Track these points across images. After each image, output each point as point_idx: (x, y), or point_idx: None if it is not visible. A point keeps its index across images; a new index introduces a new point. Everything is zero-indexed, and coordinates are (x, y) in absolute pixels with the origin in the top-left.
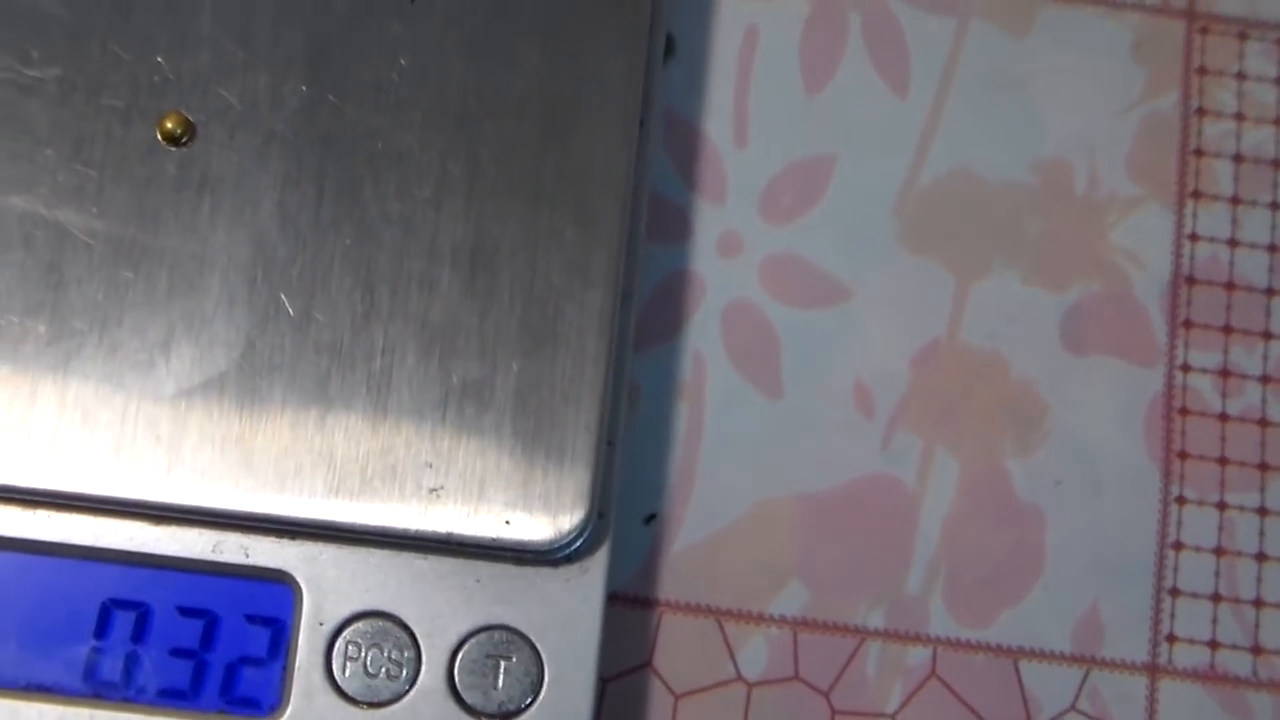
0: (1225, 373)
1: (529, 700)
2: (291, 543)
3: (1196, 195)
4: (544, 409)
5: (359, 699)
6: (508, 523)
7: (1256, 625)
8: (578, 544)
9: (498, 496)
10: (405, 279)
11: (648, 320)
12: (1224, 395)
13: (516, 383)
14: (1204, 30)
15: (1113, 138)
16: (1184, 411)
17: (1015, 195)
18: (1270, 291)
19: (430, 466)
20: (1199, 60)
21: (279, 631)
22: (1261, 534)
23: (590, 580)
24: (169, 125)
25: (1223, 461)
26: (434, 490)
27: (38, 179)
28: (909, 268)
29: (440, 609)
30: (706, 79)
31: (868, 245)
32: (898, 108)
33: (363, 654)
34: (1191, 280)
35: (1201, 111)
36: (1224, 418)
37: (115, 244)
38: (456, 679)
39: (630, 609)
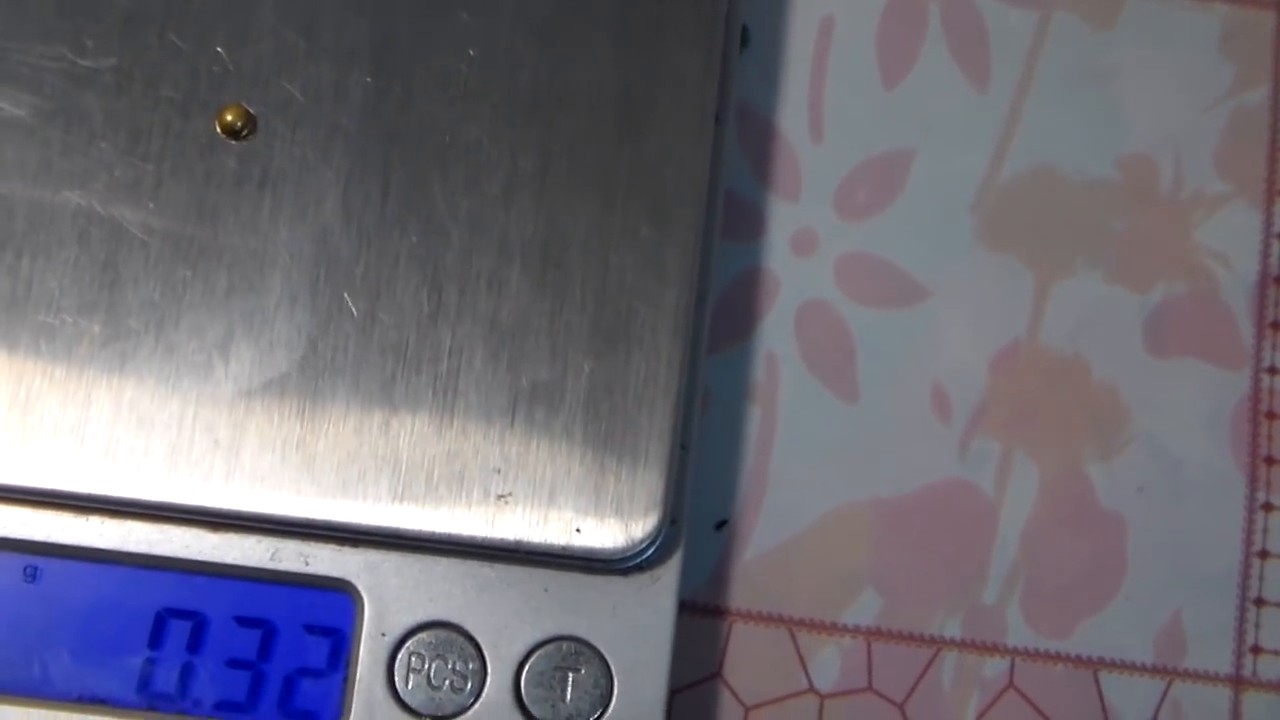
0: None
1: (598, 713)
2: (353, 550)
3: None
4: (616, 412)
5: (423, 712)
6: (578, 530)
7: None
8: (649, 552)
9: (568, 503)
10: (473, 278)
11: (719, 320)
12: None
13: (588, 385)
14: None
15: (1199, 133)
16: (1271, 415)
17: (1098, 192)
18: None
19: (498, 472)
20: None
21: (339, 642)
22: None
23: (662, 589)
24: (229, 118)
25: None
26: (502, 497)
27: (93, 173)
28: (988, 266)
29: (507, 619)
30: (781, 72)
31: (946, 243)
32: (978, 102)
33: (426, 666)
34: (1279, 281)
35: None
36: None
37: (173, 241)
38: (523, 691)
39: (699, 618)
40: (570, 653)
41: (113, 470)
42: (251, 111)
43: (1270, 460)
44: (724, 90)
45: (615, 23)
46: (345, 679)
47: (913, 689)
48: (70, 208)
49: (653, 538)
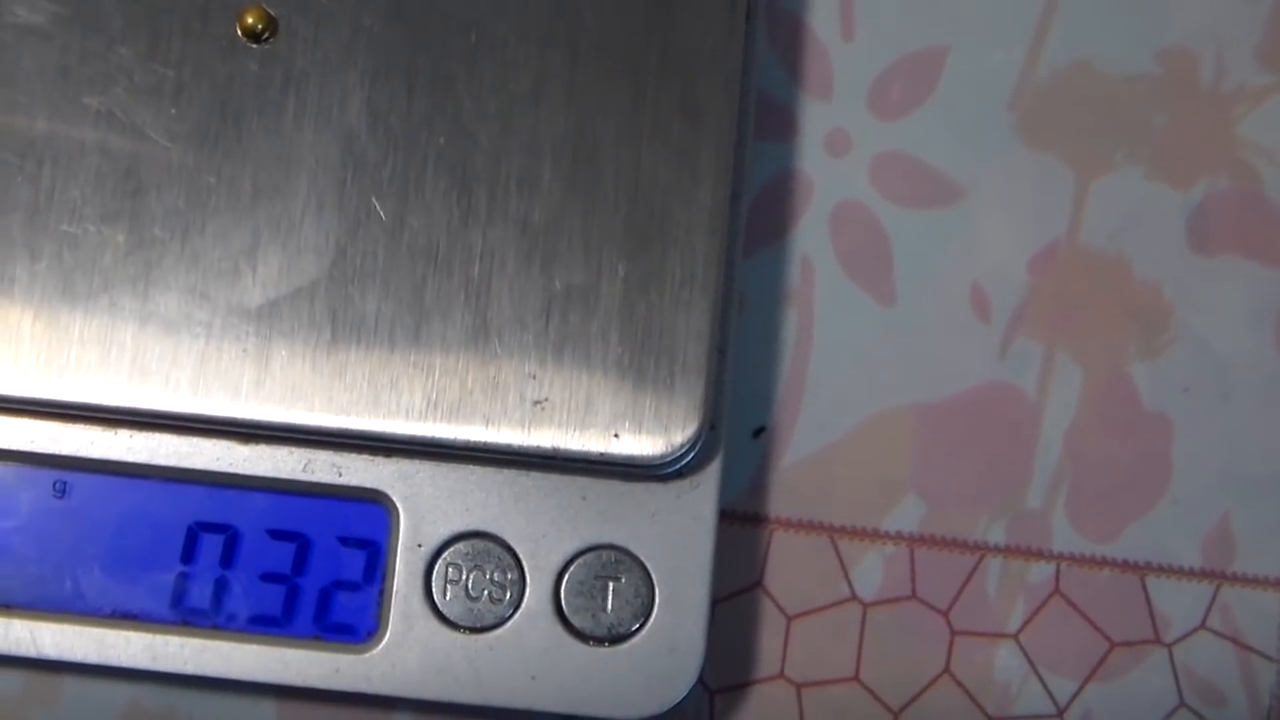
0: None
1: (639, 623)
2: (387, 460)
3: None
4: (653, 315)
5: (460, 624)
6: (616, 436)
7: None
8: (689, 458)
9: (605, 409)
10: (503, 179)
11: (753, 223)
12: None
13: (623, 287)
14: None
15: (1242, 24)
16: None
17: (1137, 87)
18: None
19: (533, 378)
20: None
21: (375, 554)
22: None
23: (702, 496)
24: (249, 20)
25: None
26: (538, 403)
27: (112, 79)
28: (1026, 164)
29: (545, 529)
30: None
31: (982, 141)
32: None
33: (464, 577)
34: None
35: None
36: None
37: (195, 147)
38: (563, 601)
39: (739, 527)
40: (610, 561)
41: (140, 382)
42: (272, 13)
43: None
44: None
45: None
46: (381, 591)
47: (957, 596)
48: (90, 115)
49: (692, 443)
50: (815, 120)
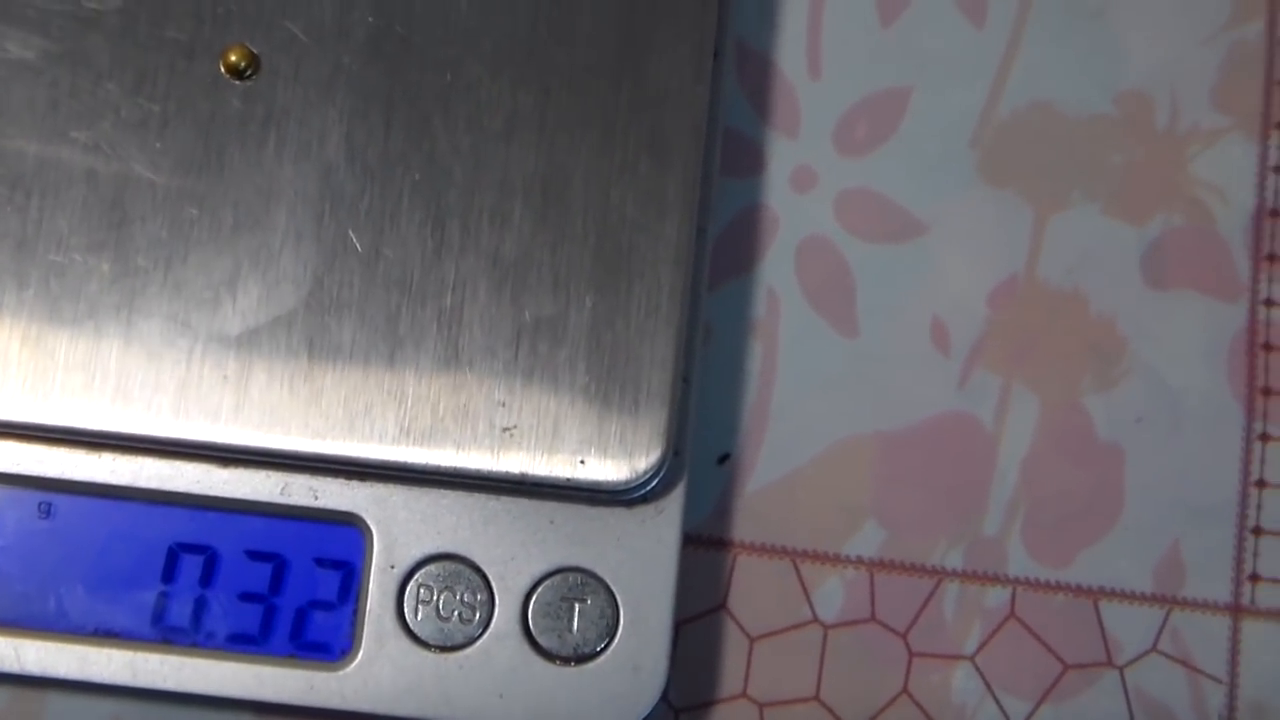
0: None
1: (604, 643)
2: (361, 484)
3: None
4: (619, 345)
5: (431, 643)
6: (582, 462)
7: None
8: (653, 484)
9: (572, 435)
10: (476, 213)
11: (720, 256)
12: None
13: (590, 318)
14: None
15: (1196, 68)
16: (1267, 347)
17: (1095, 127)
18: None
19: (503, 405)
20: None
21: (349, 575)
22: None
23: (666, 520)
24: (232, 58)
25: None
26: (507, 430)
27: (99, 114)
28: (986, 201)
29: (513, 551)
30: (779, 9)
31: (944, 178)
32: (974, 37)
33: (435, 597)
34: (1275, 213)
35: None
36: None
37: (179, 180)
38: (530, 622)
39: (704, 550)
40: (576, 583)
41: (123, 407)
42: (255, 51)
43: (1267, 391)
44: (722, 26)
45: None
46: (355, 611)
47: (915, 619)
48: (78, 147)
49: (656, 469)
50: (782, 156)
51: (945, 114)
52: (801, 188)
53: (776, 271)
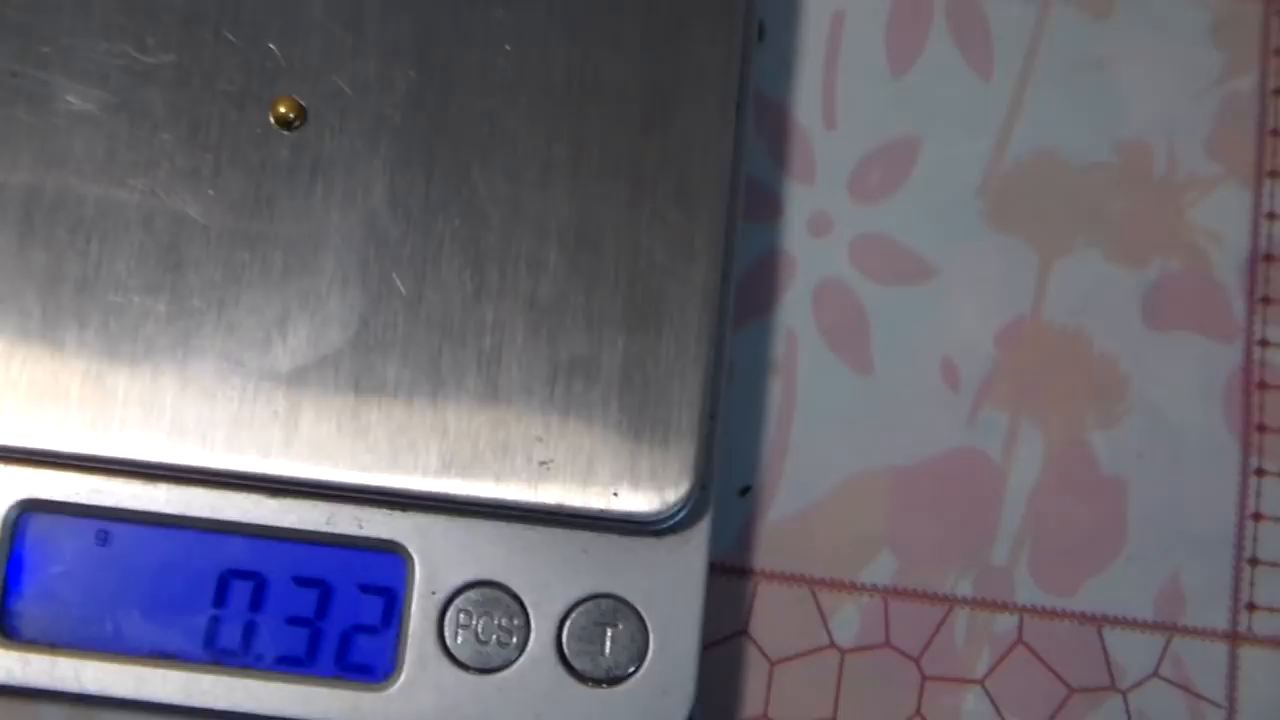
0: None
1: (635, 666)
2: (404, 514)
3: (1274, 174)
4: (649, 384)
5: (471, 665)
6: (615, 494)
7: None
8: (681, 515)
9: (605, 469)
10: (513, 259)
11: (740, 299)
12: None
13: (622, 359)
14: None
15: (1192, 118)
16: (1262, 386)
17: (1097, 175)
18: None
19: (540, 440)
20: (1277, 41)
21: (392, 600)
22: None
23: (693, 550)
24: (281, 110)
25: None
26: (544, 463)
27: (156, 163)
28: (993, 246)
29: (549, 578)
30: (796, 63)
31: (953, 224)
32: (982, 89)
33: (474, 622)
34: (1269, 258)
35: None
36: None
37: (231, 226)
38: (565, 646)
39: (727, 578)
40: (608, 609)
41: (179, 440)
42: (303, 103)
43: (1262, 428)
44: (743, 80)
45: (642, 18)
46: (398, 635)
47: (928, 644)
48: (135, 195)
49: (685, 501)
50: (799, 203)
51: (954, 162)
52: (818, 233)
53: (794, 313)
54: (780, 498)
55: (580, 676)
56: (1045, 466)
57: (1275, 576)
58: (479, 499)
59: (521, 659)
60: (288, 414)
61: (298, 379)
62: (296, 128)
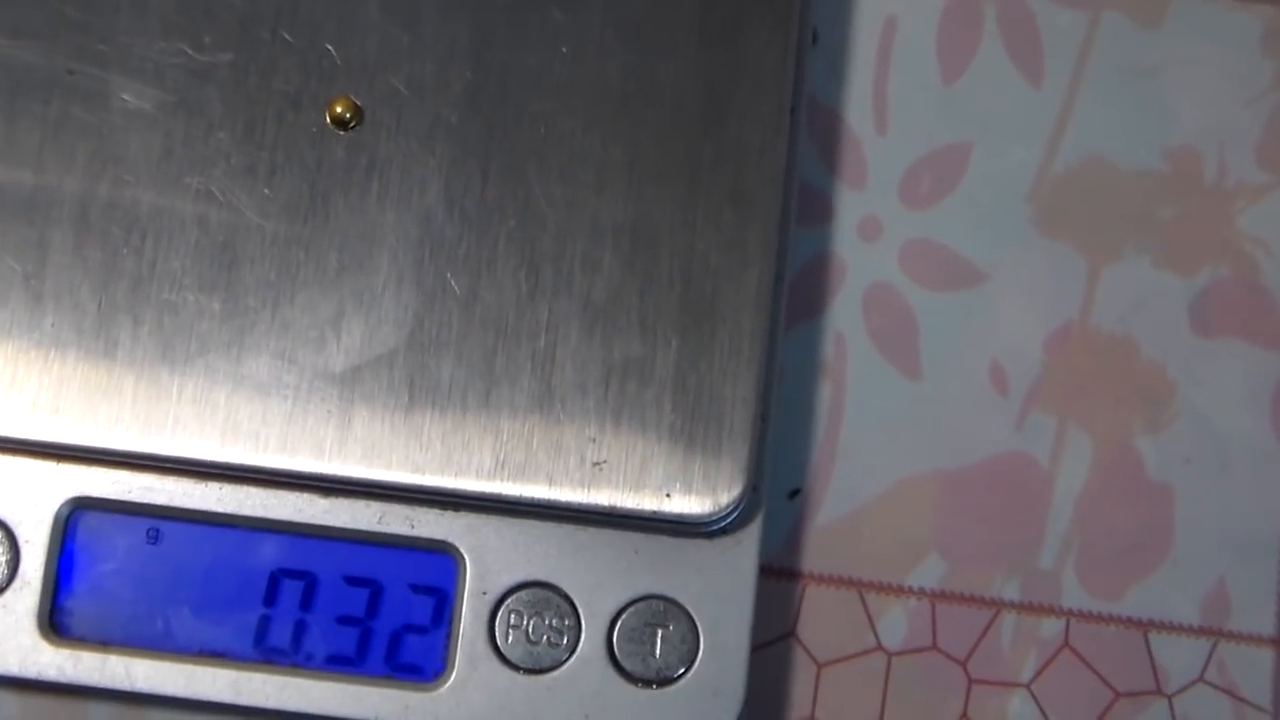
0: None
1: (685, 668)
2: (456, 515)
3: None
4: (703, 385)
5: (521, 665)
6: (668, 496)
7: None
8: (733, 517)
9: (658, 471)
10: (568, 259)
11: (791, 302)
12: None
13: (676, 360)
14: None
15: (1242, 127)
16: None
17: (1146, 183)
18: None
19: (593, 441)
20: None
21: (443, 600)
22: None
23: (744, 552)
24: (338, 110)
25: None
26: (597, 464)
27: (211, 161)
28: (1043, 252)
29: (600, 579)
30: (848, 68)
31: (1003, 230)
32: (1032, 97)
33: (525, 622)
34: None
35: None
36: None
37: (286, 225)
38: (615, 647)
39: (775, 581)
40: (659, 610)
41: (232, 439)
42: (359, 104)
43: None
44: (798, 84)
45: (697, 22)
46: (448, 635)
47: (974, 648)
48: (190, 193)
49: (736, 504)
50: (850, 208)
51: (1004, 169)
52: (868, 237)
53: (844, 317)
54: (829, 501)
55: (630, 677)
56: (1092, 471)
57: None
58: (531, 499)
59: (572, 659)
60: (341, 413)
61: (352, 378)
62: (352, 128)
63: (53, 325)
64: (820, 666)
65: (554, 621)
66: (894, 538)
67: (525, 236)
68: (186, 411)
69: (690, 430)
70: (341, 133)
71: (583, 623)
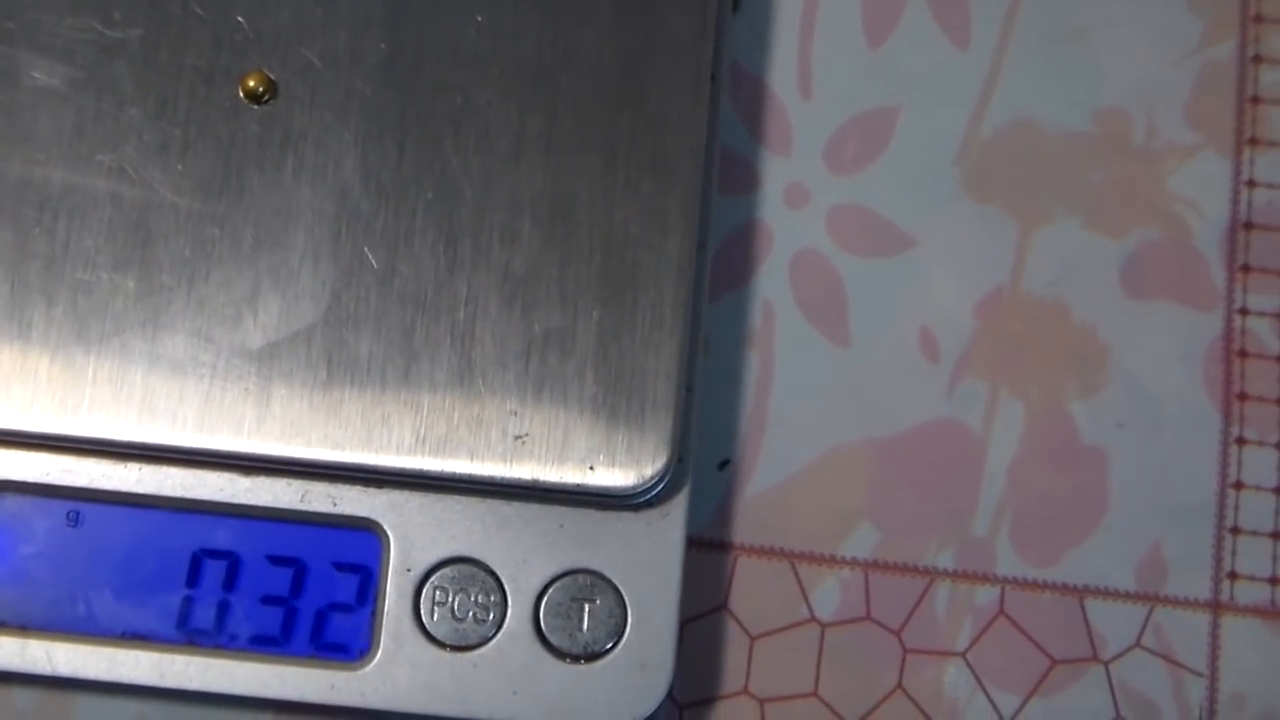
0: None
1: (613, 642)
2: (378, 491)
3: (1254, 142)
4: (625, 356)
5: (447, 643)
6: (591, 469)
7: None
8: (659, 489)
9: (581, 443)
10: (486, 231)
11: (717, 271)
12: None
13: (597, 331)
14: None
15: (1170, 86)
16: (1243, 354)
17: (1075, 144)
18: None
19: (515, 415)
20: (1255, 8)
21: (367, 578)
22: None
23: (671, 524)
24: (251, 84)
25: None
26: (519, 438)
27: (123, 138)
28: (971, 216)
29: (525, 554)
30: (771, 33)
31: (931, 195)
32: (959, 59)
33: (450, 599)
34: (1249, 225)
35: (1259, 59)
36: None
37: (200, 201)
38: (542, 622)
39: (705, 553)
40: (586, 585)
41: (149, 419)
42: (272, 77)
43: (1243, 396)
44: (718, 50)
45: None
46: (373, 613)
47: (909, 617)
48: (103, 171)
49: (662, 475)
50: (775, 174)
51: (931, 132)
52: (794, 204)
53: (771, 285)
54: (759, 471)
55: (558, 652)
56: (1025, 437)
57: (1256, 545)
58: (454, 475)
59: (498, 636)
60: (260, 391)
61: (269, 356)
62: (266, 102)
63: None
64: (753, 639)
65: (479, 598)
66: (826, 507)
67: (443, 209)
68: (103, 392)
69: (613, 402)
70: (255, 107)
71: (508, 598)
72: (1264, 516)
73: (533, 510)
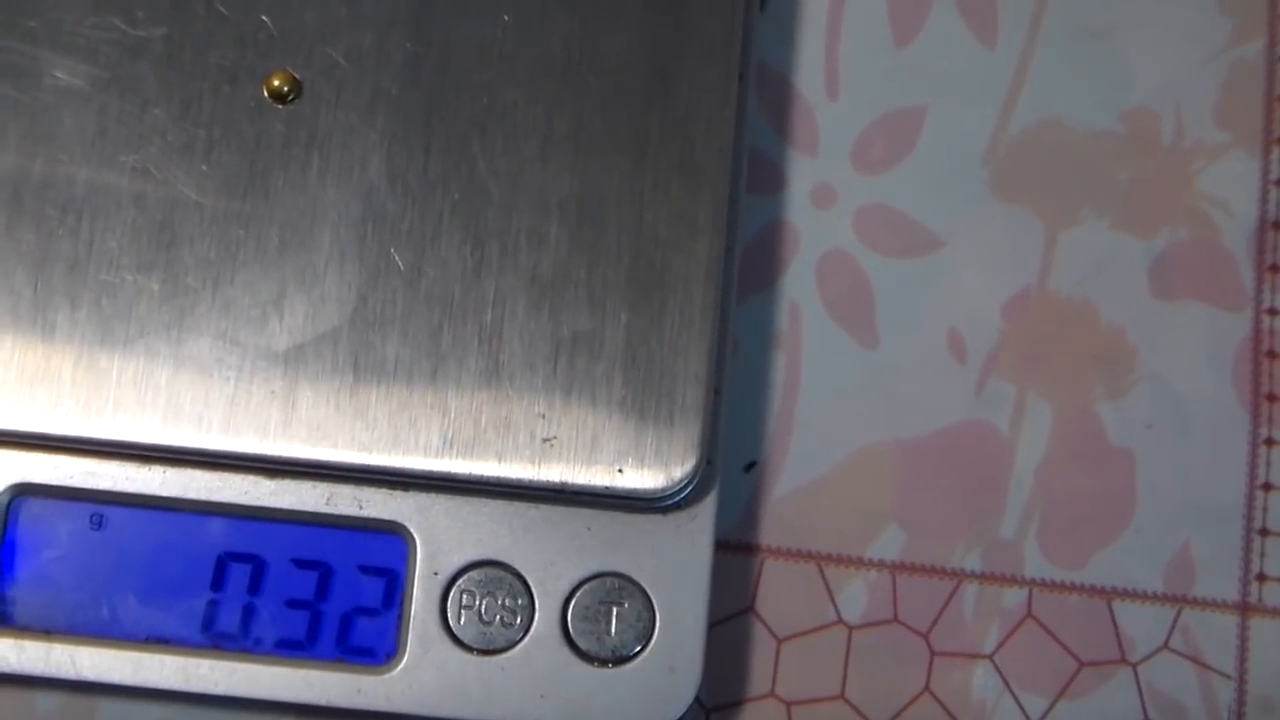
0: None
1: (641, 645)
2: (405, 494)
3: None
4: (653, 359)
5: (474, 646)
6: (620, 471)
7: None
8: (687, 491)
9: (610, 446)
10: (514, 233)
11: (744, 272)
12: None
13: (626, 334)
14: None
15: (1199, 86)
16: (1271, 354)
17: (1103, 144)
18: None
19: (543, 417)
20: None
21: (393, 582)
22: None
23: (699, 526)
24: (276, 83)
25: None
26: (547, 440)
27: (147, 138)
28: (999, 217)
29: (553, 557)
30: (798, 32)
31: (958, 195)
32: (986, 58)
33: (477, 602)
34: (1278, 225)
35: None
36: None
37: (226, 202)
38: (570, 625)
39: (732, 555)
40: (614, 588)
41: (174, 422)
42: (297, 77)
43: (1272, 397)
44: (746, 51)
45: None
46: (400, 616)
47: (936, 619)
48: (127, 171)
49: (690, 477)
50: (802, 175)
51: (959, 132)
52: (821, 205)
53: (798, 286)
54: (786, 473)
55: (586, 656)
56: (1053, 438)
57: None
58: (481, 478)
59: (526, 639)
60: (285, 393)
61: (295, 358)
62: (291, 101)
63: None
64: (780, 641)
65: (507, 601)
66: (853, 509)
67: (470, 210)
68: (127, 394)
69: (641, 404)
70: (280, 107)
71: (536, 602)
72: None
73: (560, 513)
